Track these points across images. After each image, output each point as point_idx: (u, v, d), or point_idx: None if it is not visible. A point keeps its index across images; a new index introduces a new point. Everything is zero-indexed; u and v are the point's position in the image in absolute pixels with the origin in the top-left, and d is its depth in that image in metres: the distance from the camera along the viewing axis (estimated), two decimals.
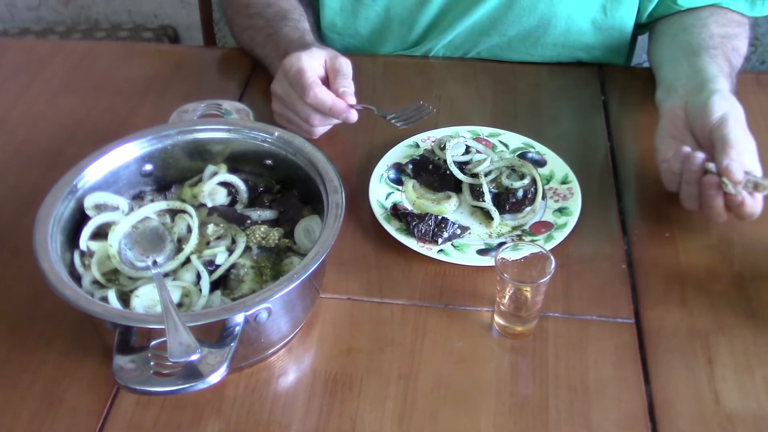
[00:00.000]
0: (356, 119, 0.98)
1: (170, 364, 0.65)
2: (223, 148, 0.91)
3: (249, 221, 0.85)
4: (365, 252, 0.91)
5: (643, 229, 0.93)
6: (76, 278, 0.79)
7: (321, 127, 1.03)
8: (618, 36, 1.22)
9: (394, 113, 1.03)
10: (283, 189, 0.91)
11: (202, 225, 0.84)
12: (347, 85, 0.99)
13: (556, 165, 0.99)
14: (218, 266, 0.80)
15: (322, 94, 0.96)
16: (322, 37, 1.29)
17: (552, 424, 0.73)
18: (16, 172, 1.04)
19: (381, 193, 0.96)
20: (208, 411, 0.76)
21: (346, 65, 1.01)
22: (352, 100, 0.98)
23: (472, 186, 0.96)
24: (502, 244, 0.89)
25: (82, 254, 0.81)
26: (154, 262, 0.80)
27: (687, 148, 0.89)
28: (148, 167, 0.89)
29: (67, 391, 0.77)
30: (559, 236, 0.89)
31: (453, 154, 0.98)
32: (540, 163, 1.00)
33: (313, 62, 0.99)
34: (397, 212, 0.93)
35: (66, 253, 0.80)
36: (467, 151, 1.00)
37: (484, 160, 0.97)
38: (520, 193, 0.93)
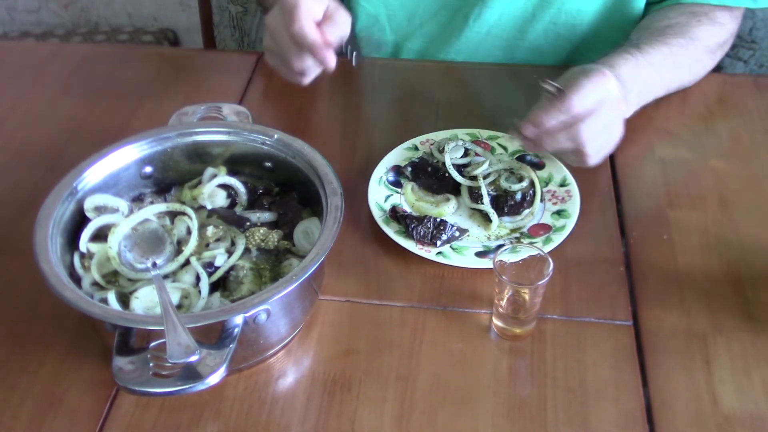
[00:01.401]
0: (333, 66, 0.97)
1: (169, 365, 0.65)
2: (223, 150, 0.91)
3: (248, 223, 0.85)
4: (364, 254, 0.91)
5: (641, 232, 0.93)
6: (76, 280, 0.79)
7: (306, 75, 1.01)
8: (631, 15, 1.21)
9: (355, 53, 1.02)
10: (283, 191, 0.91)
11: (202, 227, 0.84)
12: (332, 31, 0.97)
13: (555, 168, 1.00)
14: (217, 268, 0.80)
15: (307, 27, 0.94)
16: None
17: (550, 425, 0.74)
18: (16, 174, 1.04)
19: (380, 195, 0.97)
20: (207, 412, 0.76)
21: (343, 17, 0.99)
22: (330, 42, 0.96)
23: (470, 188, 0.96)
24: (500, 246, 0.89)
25: (82, 256, 0.82)
26: (154, 264, 0.80)
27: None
28: (148, 169, 0.90)
29: (67, 393, 0.78)
30: (558, 238, 0.89)
31: (452, 157, 0.98)
32: (538, 165, 1.00)
33: (312, 3, 0.96)
34: (395, 214, 0.93)
35: (66, 255, 0.80)
36: (466, 153, 1.00)
37: (483, 162, 0.97)
38: (518, 196, 0.93)
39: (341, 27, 0.99)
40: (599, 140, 0.93)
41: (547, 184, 0.98)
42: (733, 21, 1.13)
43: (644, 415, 0.74)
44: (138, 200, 0.90)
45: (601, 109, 0.91)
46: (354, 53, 0.99)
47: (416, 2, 1.24)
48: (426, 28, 1.26)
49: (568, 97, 0.90)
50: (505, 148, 1.03)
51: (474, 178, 0.96)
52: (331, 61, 0.97)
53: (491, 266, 0.81)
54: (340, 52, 1.01)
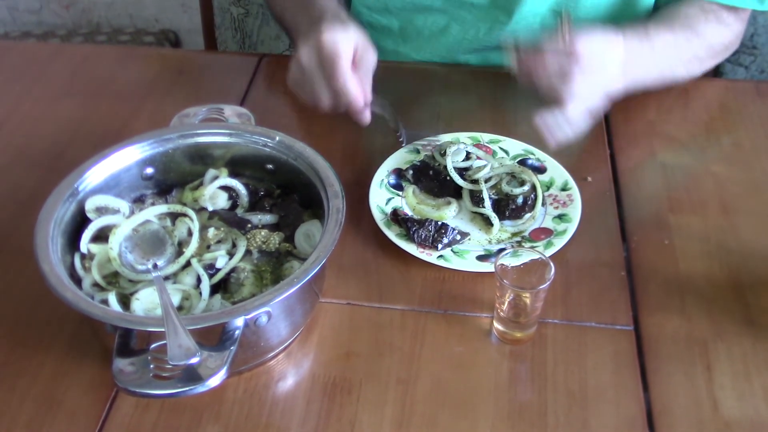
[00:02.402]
0: (368, 122, 0.99)
1: (170, 367, 0.65)
2: (224, 152, 0.91)
3: (249, 225, 0.85)
4: (365, 257, 0.91)
5: (642, 236, 0.93)
6: (77, 281, 0.79)
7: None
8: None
9: (403, 131, 1.03)
10: (284, 193, 0.91)
11: (203, 229, 0.84)
12: (367, 79, 0.99)
13: (556, 172, 1.00)
14: (218, 270, 0.80)
15: (350, 85, 0.95)
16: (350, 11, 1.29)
17: (550, 429, 0.74)
18: (17, 175, 1.04)
19: (381, 198, 0.97)
20: (207, 414, 0.76)
21: (371, 57, 1.00)
22: (368, 98, 0.98)
23: (472, 192, 0.96)
24: (501, 250, 0.89)
25: (83, 257, 0.82)
26: (155, 265, 0.80)
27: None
28: (149, 171, 0.90)
29: (66, 394, 0.77)
30: (559, 243, 0.89)
31: (453, 160, 0.98)
32: (540, 169, 1.00)
33: (348, 47, 0.96)
34: (397, 217, 0.93)
35: (66, 256, 0.80)
36: (467, 157, 1.00)
37: (484, 166, 0.97)
38: (519, 200, 0.93)
39: (371, 69, 1.01)
40: (584, 91, 0.93)
41: (548, 188, 0.98)
42: (738, 23, 1.13)
43: (645, 420, 0.74)
44: (139, 201, 0.90)
45: (600, 64, 0.91)
46: (403, 133, 1.03)
47: (426, 15, 1.25)
48: (436, 40, 1.27)
49: (576, 36, 0.90)
50: (506, 152, 1.03)
51: (475, 181, 0.96)
52: (367, 119, 0.99)
53: (492, 270, 0.81)
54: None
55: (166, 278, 0.80)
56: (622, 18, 1.18)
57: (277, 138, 0.89)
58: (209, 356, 0.67)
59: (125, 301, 0.77)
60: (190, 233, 0.83)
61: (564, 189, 0.97)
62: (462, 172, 0.98)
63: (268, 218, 0.87)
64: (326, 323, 0.84)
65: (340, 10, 1.08)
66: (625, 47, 0.97)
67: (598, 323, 0.83)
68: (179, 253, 0.82)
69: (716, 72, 1.25)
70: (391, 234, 0.91)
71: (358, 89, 0.95)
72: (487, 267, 0.87)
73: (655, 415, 0.75)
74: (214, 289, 0.80)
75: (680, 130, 1.10)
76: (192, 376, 0.65)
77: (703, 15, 1.09)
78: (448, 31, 1.25)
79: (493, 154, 1.03)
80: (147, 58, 1.34)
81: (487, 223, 0.94)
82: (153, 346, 0.68)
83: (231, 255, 0.82)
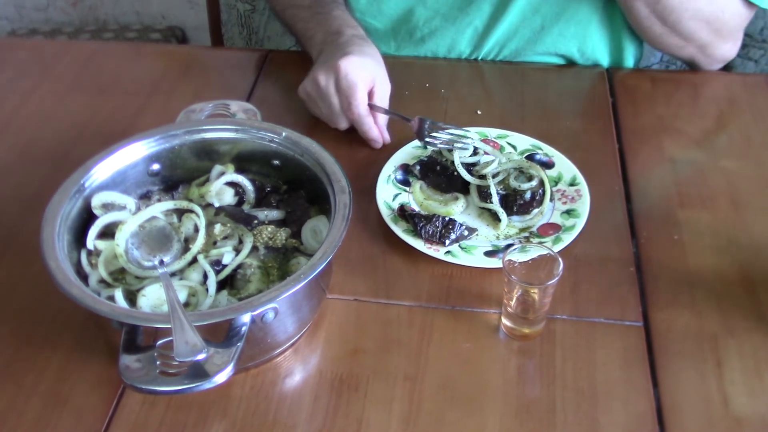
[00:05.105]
0: (381, 146, 1.05)
1: (176, 363, 0.65)
2: (231, 148, 0.90)
3: (256, 221, 0.85)
4: (372, 253, 0.91)
5: (651, 232, 0.93)
6: (83, 277, 0.79)
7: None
8: None
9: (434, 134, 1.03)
10: (291, 189, 0.91)
11: (209, 225, 0.84)
12: (381, 104, 1.03)
13: (564, 167, 0.99)
14: (225, 266, 0.80)
15: (365, 117, 1.01)
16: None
17: (559, 426, 0.73)
18: (24, 171, 1.04)
19: (388, 194, 0.96)
20: (213, 411, 0.75)
21: (385, 91, 1.04)
22: (384, 135, 1.05)
23: (479, 187, 0.95)
24: (509, 245, 0.88)
25: (89, 253, 0.81)
26: (161, 262, 0.80)
27: None
28: (156, 167, 0.89)
29: (73, 391, 0.77)
30: (567, 238, 0.89)
31: (461, 156, 0.97)
32: (548, 164, 1.00)
33: (366, 76, 1.01)
34: (404, 213, 0.93)
35: (73, 252, 0.80)
36: (475, 152, 1.00)
37: (492, 161, 0.96)
38: (527, 195, 0.92)
39: (386, 99, 1.05)
40: None
41: (556, 183, 0.97)
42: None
43: (654, 416, 0.74)
44: (145, 198, 0.90)
45: None
46: (426, 137, 1.04)
47: (409, 15, 1.25)
48: (429, 42, 1.27)
49: None
50: (514, 147, 1.03)
51: (483, 177, 0.95)
52: (380, 145, 1.05)
53: (500, 266, 0.80)
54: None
55: (173, 274, 0.80)
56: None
57: (284, 134, 0.88)
58: (216, 353, 0.66)
59: (132, 297, 0.77)
60: (196, 229, 0.83)
61: (572, 184, 0.96)
62: (469, 167, 0.97)
63: (274, 214, 0.87)
64: (333, 319, 0.84)
65: (358, 27, 1.11)
66: None
67: (607, 319, 0.83)
68: (186, 249, 0.82)
69: (726, 66, 1.23)
70: (399, 230, 0.90)
71: (369, 121, 1.02)
72: (495, 263, 0.86)
73: (664, 411, 0.74)
74: (221, 286, 0.79)
75: (690, 124, 1.09)
76: (198, 372, 0.65)
77: None
78: (441, 31, 1.24)
79: (501, 149, 1.03)
80: (154, 54, 1.34)
81: (495, 218, 0.93)
82: (159, 342, 0.68)
83: (237, 251, 0.81)
